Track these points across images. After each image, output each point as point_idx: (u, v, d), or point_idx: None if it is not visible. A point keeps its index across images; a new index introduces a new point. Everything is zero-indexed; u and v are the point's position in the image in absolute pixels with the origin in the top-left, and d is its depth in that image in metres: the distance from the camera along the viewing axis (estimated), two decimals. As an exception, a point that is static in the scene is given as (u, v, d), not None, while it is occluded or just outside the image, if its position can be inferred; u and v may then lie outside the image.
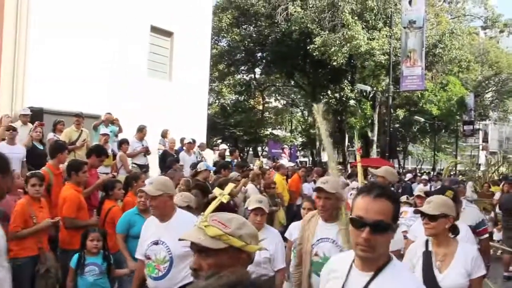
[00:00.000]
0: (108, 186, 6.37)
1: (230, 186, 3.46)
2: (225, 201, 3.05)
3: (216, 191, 3.63)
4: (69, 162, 6.53)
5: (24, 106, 11.21)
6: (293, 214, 10.14)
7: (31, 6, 12.04)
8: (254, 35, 31.49)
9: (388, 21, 25.74)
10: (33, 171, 5.96)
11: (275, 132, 40.57)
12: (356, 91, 29.20)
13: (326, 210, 3.92)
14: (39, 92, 11.87)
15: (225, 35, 31.45)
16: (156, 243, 3.85)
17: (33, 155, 8.77)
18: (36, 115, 10.65)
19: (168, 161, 10.60)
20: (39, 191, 5.46)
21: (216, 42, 31.83)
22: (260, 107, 38.47)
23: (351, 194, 9.40)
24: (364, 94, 29.53)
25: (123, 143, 10.53)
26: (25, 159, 8.43)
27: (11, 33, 11.89)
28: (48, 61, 12.12)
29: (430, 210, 3.58)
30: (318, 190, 3.97)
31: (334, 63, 25.33)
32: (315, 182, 11.32)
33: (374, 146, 29.38)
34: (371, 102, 29.63)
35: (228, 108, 36.80)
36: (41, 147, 9.27)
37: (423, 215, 3.64)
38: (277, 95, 42.37)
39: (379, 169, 5.84)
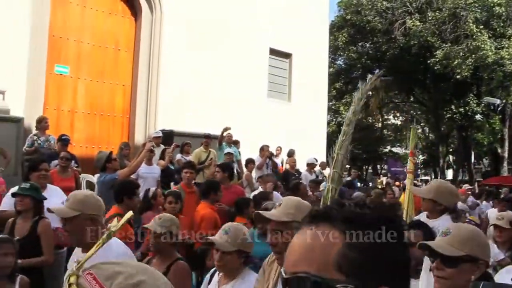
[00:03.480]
0: (243, 204, 6.45)
1: (127, 215, 2.15)
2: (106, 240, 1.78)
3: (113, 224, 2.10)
4: (207, 183, 6.93)
5: (156, 129, 12.09)
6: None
7: (162, 40, 13.15)
8: (371, 52, 30.98)
9: (518, 28, 24.08)
10: (170, 190, 6.41)
11: (395, 150, 39.44)
12: (483, 104, 27.52)
13: (278, 253, 2.47)
14: (169, 115, 12.77)
15: (341, 53, 31.39)
16: None
17: (165, 174, 9.40)
18: (166, 137, 11.44)
19: (292, 183, 10.70)
20: (175, 208, 5.97)
21: (333, 60, 31.83)
22: (379, 125, 37.66)
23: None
24: (492, 107, 27.70)
25: (249, 162, 10.91)
26: (159, 178, 9.07)
27: (145, 64, 13.10)
28: (177, 87, 13.09)
29: (444, 247, 2.13)
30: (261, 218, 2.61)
31: (458, 76, 24.10)
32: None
33: (505, 163, 27.37)
34: (500, 116, 27.74)
35: (346, 126, 36.47)
36: (172, 167, 9.91)
37: (433, 255, 2.19)
38: (396, 111, 41.26)
39: (425, 187, 3.75)
